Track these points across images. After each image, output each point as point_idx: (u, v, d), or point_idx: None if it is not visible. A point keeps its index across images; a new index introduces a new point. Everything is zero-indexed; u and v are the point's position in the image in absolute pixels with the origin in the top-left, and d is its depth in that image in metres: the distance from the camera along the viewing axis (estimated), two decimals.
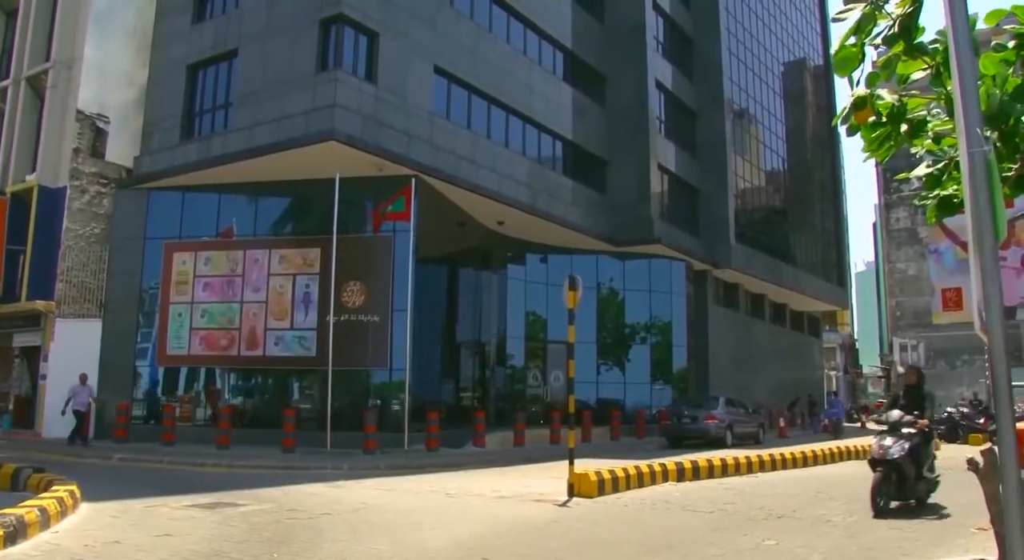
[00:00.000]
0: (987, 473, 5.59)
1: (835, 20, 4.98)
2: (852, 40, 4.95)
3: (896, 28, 4.88)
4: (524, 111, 27.51)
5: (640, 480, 13.71)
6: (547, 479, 14.34)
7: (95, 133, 24.11)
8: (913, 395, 11.86)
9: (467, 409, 27.03)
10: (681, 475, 14.79)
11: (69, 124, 23.91)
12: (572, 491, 12.16)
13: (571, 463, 12.53)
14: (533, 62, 28.70)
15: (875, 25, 4.88)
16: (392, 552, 7.78)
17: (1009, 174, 5.56)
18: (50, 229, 23.44)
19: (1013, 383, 4.34)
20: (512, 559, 7.75)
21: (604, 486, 12.60)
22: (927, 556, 7.73)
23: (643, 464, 14.43)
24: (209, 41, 23.69)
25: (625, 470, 13.51)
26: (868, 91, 5.34)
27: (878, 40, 4.97)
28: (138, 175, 24.09)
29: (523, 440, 23.72)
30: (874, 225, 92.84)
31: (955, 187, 5.76)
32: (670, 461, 15.23)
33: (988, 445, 6.04)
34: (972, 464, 5.83)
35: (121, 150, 24.27)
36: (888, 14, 4.88)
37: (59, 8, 25.18)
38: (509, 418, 25.99)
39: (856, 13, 4.87)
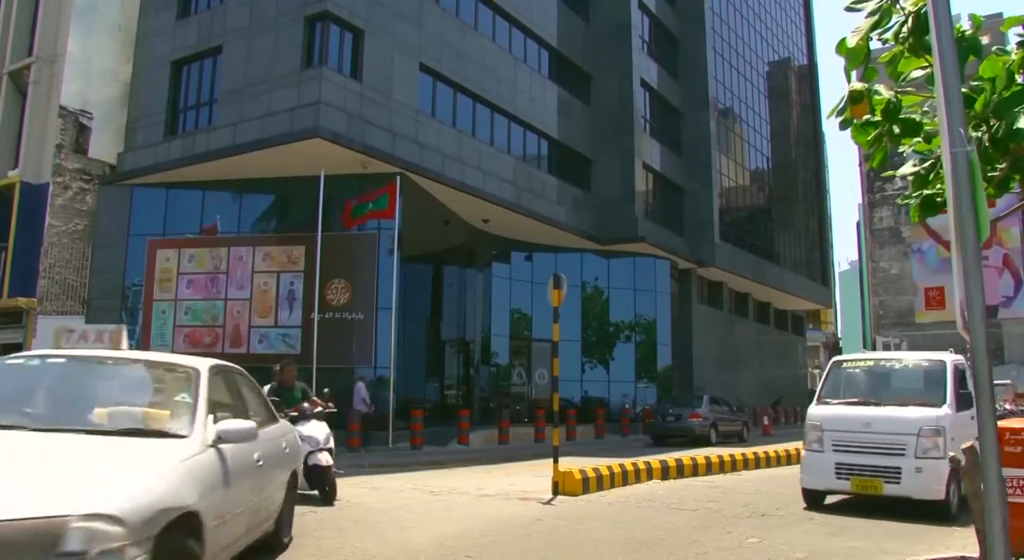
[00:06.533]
0: (969, 471, 5.62)
1: (849, 10, 5.01)
2: (850, 33, 5.00)
3: (909, 24, 4.90)
4: (509, 109, 27.52)
5: (625, 478, 13.73)
6: (532, 477, 14.35)
7: (78, 129, 23.93)
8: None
9: (452, 407, 27.03)
10: (666, 473, 14.83)
11: (52, 120, 23.72)
12: (557, 489, 12.16)
13: (556, 461, 12.53)
14: (518, 60, 28.71)
15: (890, 19, 4.91)
16: (376, 550, 7.76)
17: (995, 174, 5.60)
18: (32, 225, 23.26)
19: (995, 381, 4.37)
20: (497, 557, 7.75)
21: (589, 484, 12.61)
22: (909, 553, 7.77)
23: (627, 462, 14.44)
24: (193, 37, 23.57)
25: (610, 468, 13.53)
26: (866, 85, 5.36)
27: (888, 35, 5.00)
28: (122, 172, 23.95)
29: (508, 438, 23.75)
30: (858, 224, 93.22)
31: (939, 186, 5.80)
32: (654, 459, 15.27)
33: (970, 443, 6.07)
34: (954, 462, 5.87)
35: (104, 146, 24.08)
36: (901, 9, 4.90)
37: (42, 3, 24.97)
38: (494, 416, 26.01)
39: (871, 5, 4.90)
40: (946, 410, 10.14)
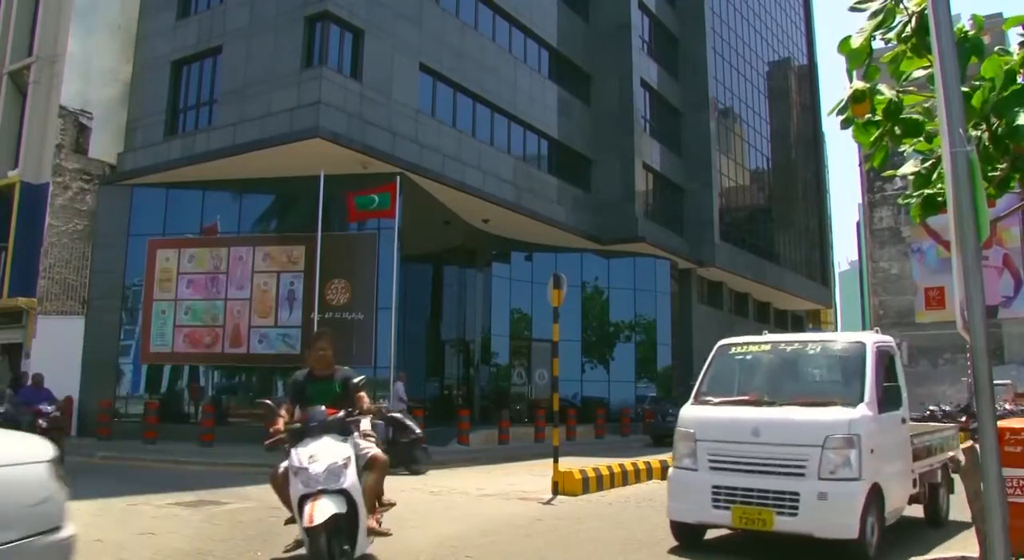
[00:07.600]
0: (968, 471, 5.62)
1: (853, 10, 5.02)
2: (854, 33, 5.00)
3: (913, 23, 4.91)
4: (509, 109, 27.51)
5: (625, 478, 13.74)
6: (531, 477, 14.35)
7: (78, 129, 23.94)
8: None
9: (452, 407, 27.00)
10: (665, 473, 14.80)
11: (52, 120, 23.73)
12: (556, 489, 12.17)
13: (556, 461, 12.53)
14: (518, 60, 28.70)
15: (893, 19, 4.92)
16: (376, 550, 7.76)
17: (996, 174, 5.60)
18: (32, 225, 23.27)
19: (995, 381, 4.37)
20: (496, 557, 7.75)
21: (589, 484, 12.62)
22: (909, 552, 7.77)
23: (627, 462, 14.46)
24: (193, 37, 23.56)
25: (610, 468, 13.54)
26: (868, 85, 5.36)
27: (891, 35, 5.00)
28: (122, 172, 23.93)
29: (508, 438, 23.73)
30: (858, 224, 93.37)
31: (940, 186, 5.80)
32: (654, 459, 15.27)
33: (970, 443, 6.07)
34: (954, 462, 5.86)
35: (104, 146, 24.06)
36: (905, 9, 4.90)
37: (42, 3, 24.98)
38: (494, 416, 26.00)
39: (875, 5, 4.90)
40: (863, 411, 7.46)
